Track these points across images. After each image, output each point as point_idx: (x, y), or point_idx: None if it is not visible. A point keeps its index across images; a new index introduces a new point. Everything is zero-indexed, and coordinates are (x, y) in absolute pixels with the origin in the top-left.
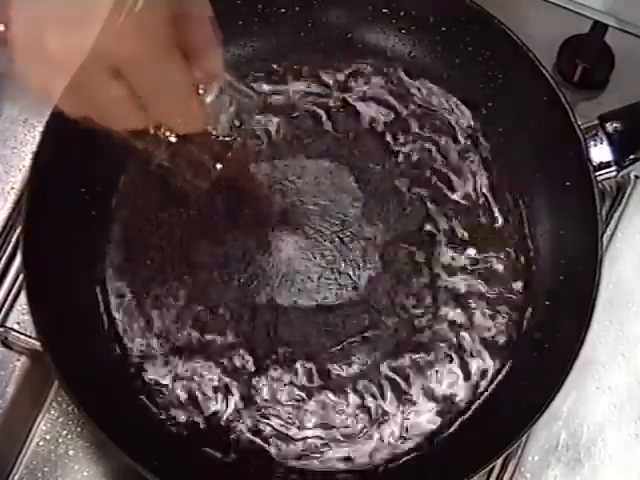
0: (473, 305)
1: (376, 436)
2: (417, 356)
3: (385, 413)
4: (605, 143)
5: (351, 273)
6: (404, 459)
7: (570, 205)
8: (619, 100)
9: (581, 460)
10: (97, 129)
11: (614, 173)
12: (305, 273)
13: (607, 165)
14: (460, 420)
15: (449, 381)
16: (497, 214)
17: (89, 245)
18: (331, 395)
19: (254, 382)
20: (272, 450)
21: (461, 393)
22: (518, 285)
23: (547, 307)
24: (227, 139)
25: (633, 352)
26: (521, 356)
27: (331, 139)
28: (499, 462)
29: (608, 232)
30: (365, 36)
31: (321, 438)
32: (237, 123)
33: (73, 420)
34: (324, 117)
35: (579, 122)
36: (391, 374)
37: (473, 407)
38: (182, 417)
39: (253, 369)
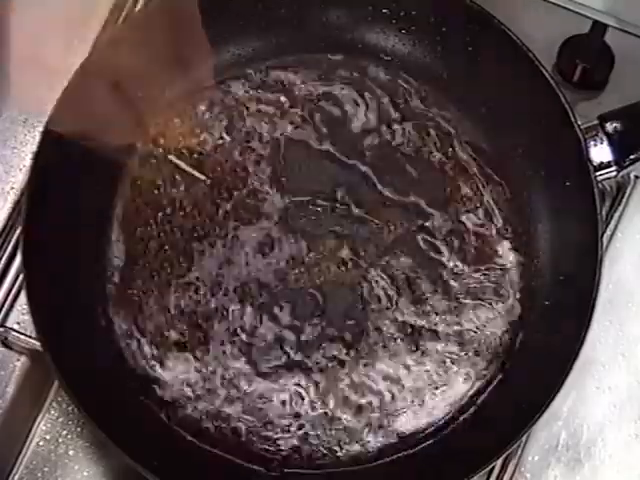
0: (472, 304)
1: (375, 436)
2: (416, 356)
3: (383, 409)
4: (605, 143)
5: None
6: (404, 459)
7: (570, 205)
8: (619, 100)
9: (581, 460)
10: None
11: (614, 173)
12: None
13: (607, 165)
14: (460, 420)
15: (448, 382)
16: (497, 214)
17: (89, 245)
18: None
19: (254, 383)
20: (273, 451)
21: (461, 393)
22: (518, 285)
23: (547, 307)
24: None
25: (633, 352)
26: (521, 356)
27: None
28: (499, 462)
29: (608, 232)
30: (365, 36)
31: (323, 440)
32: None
33: (73, 420)
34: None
35: (579, 122)
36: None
37: (473, 407)
38: (182, 416)
39: (253, 371)
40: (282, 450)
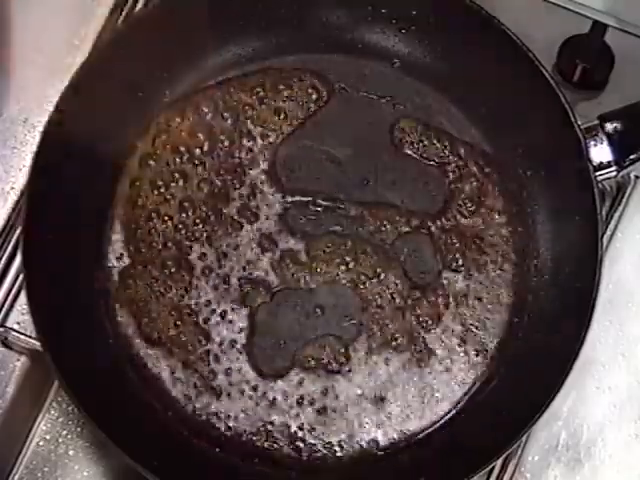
0: (472, 304)
1: (374, 436)
2: (416, 355)
3: (383, 408)
4: (605, 143)
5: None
6: (404, 459)
7: (570, 205)
8: (619, 100)
9: (581, 460)
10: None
11: (614, 173)
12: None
13: (607, 165)
14: (460, 420)
15: (448, 382)
16: (497, 214)
17: (89, 245)
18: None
19: (254, 382)
20: (274, 450)
21: (460, 393)
22: (518, 285)
23: (547, 307)
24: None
25: (633, 352)
26: (521, 356)
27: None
28: (499, 462)
29: (608, 232)
30: (365, 36)
31: (323, 439)
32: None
33: (73, 420)
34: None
35: (579, 122)
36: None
37: (473, 407)
38: (182, 416)
39: (254, 370)
40: (283, 450)
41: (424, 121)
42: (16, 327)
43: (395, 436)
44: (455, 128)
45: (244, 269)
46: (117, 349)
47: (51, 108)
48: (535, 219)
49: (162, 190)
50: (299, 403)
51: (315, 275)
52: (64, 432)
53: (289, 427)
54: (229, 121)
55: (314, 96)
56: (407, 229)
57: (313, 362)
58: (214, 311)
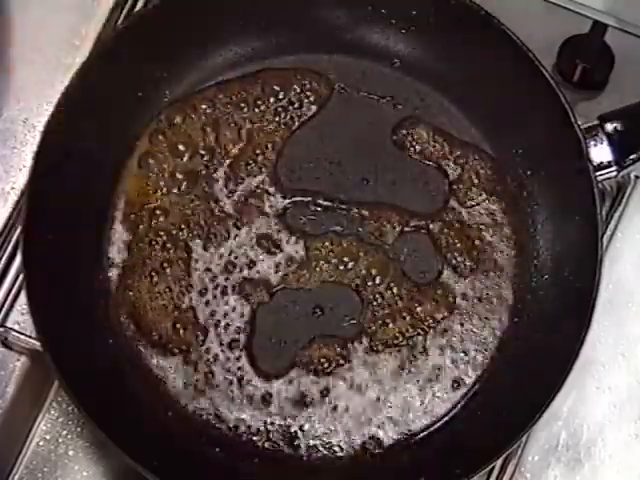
0: (472, 304)
1: (374, 436)
2: (416, 355)
3: (383, 409)
4: (605, 143)
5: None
6: (404, 459)
7: (570, 205)
8: (619, 100)
9: (581, 460)
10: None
11: (614, 173)
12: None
13: (607, 165)
14: (460, 420)
15: (448, 382)
16: (497, 214)
17: (89, 245)
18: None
19: (254, 382)
20: (274, 450)
21: (460, 393)
22: (518, 285)
23: (547, 307)
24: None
25: (633, 352)
26: (521, 356)
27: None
28: (499, 462)
29: (608, 232)
30: (365, 36)
31: (323, 439)
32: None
33: (73, 420)
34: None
35: (579, 122)
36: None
37: (473, 407)
38: (182, 416)
39: (254, 370)
40: (283, 450)
41: (424, 121)
42: (16, 327)
43: (395, 436)
44: (455, 128)
45: (244, 269)
46: (117, 349)
47: (51, 108)
48: (535, 219)
49: (162, 190)
50: (299, 403)
51: (315, 275)
52: (64, 432)
53: (289, 427)
54: (229, 121)
55: (314, 96)
56: (407, 229)
57: (313, 362)
58: (214, 311)
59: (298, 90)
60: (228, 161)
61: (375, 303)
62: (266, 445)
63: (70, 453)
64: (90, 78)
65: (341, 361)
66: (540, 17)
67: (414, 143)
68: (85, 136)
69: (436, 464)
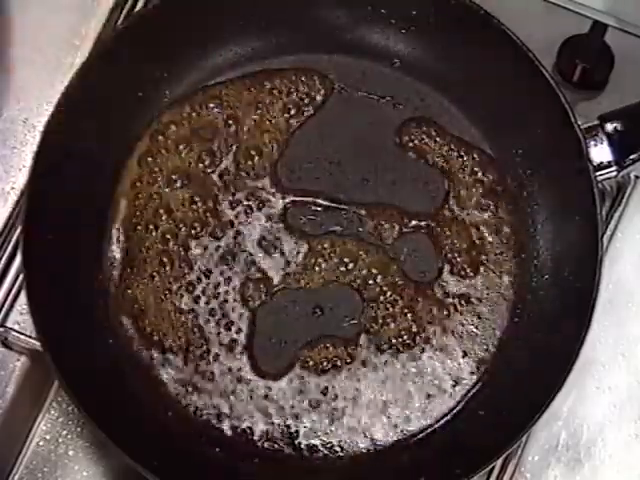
0: (472, 304)
1: (374, 436)
2: (416, 355)
3: (383, 408)
4: (605, 143)
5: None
6: (404, 459)
7: (570, 205)
8: (619, 100)
9: (581, 460)
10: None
11: (614, 173)
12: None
13: (607, 165)
14: (460, 420)
15: (448, 382)
16: (497, 214)
17: (89, 245)
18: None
19: (254, 382)
20: (274, 451)
21: (461, 393)
22: (518, 285)
23: (547, 307)
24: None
25: (633, 352)
26: (521, 356)
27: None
28: (499, 462)
29: (608, 232)
30: (365, 36)
31: (323, 439)
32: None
33: (73, 420)
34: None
35: (579, 122)
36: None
37: (473, 407)
38: (182, 416)
39: (254, 370)
40: (283, 450)
41: (424, 121)
42: (16, 327)
43: (395, 436)
44: (455, 128)
45: (244, 269)
46: (117, 349)
47: (51, 108)
48: (535, 219)
49: (162, 190)
50: (299, 403)
51: (315, 275)
52: (64, 432)
53: (289, 427)
54: (229, 121)
55: (314, 96)
56: (407, 229)
57: (313, 362)
58: (214, 311)
59: (298, 90)
60: (228, 161)
61: (375, 303)
62: (266, 445)
63: (70, 453)
64: (90, 78)
65: (341, 361)
66: (540, 17)
67: (414, 143)
68: (85, 136)
69: (436, 464)
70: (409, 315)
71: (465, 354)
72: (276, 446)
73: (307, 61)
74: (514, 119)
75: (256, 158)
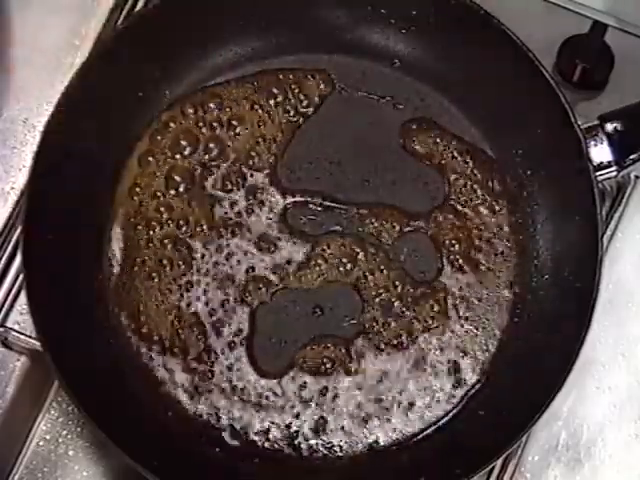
0: (472, 304)
1: (374, 436)
2: (416, 355)
3: (383, 408)
4: (605, 143)
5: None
6: (404, 459)
7: (570, 205)
8: (619, 100)
9: (581, 460)
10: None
11: (614, 173)
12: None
13: (607, 165)
14: (460, 420)
15: (448, 382)
16: (497, 214)
17: (89, 245)
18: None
19: (254, 382)
20: (274, 451)
21: (461, 393)
22: (518, 285)
23: (547, 307)
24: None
25: (633, 352)
26: (521, 356)
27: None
28: (499, 462)
29: (608, 232)
30: (365, 36)
31: (323, 439)
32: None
33: (73, 420)
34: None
35: (579, 122)
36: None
37: (473, 407)
38: (182, 416)
39: (254, 370)
40: (283, 450)
41: (424, 121)
42: (16, 327)
43: (395, 436)
44: (455, 128)
45: (244, 269)
46: (117, 349)
47: (51, 108)
48: (535, 219)
49: (162, 190)
50: (299, 403)
51: (315, 275)
52: (64, 432)
53: (289, 427)
54: (229, 121)
55: (314, 96)
56: (407, 229)
57: (313, 362)
58: (214, 311)
59: (298, 90)
60: (228, 161)
61: (375, 303)
62: (266, 445)
63: (70, 453)
64: (90, 78)
65: (341, 361)
66: (540, 17)
67: (414, 143)
68: (85, 136)
69: (436, 464)
70: (409, 315)
71: (465, 354)
72: (276, 446)
73: (307, 61)
74: (514, 119)
75: (256, 158)
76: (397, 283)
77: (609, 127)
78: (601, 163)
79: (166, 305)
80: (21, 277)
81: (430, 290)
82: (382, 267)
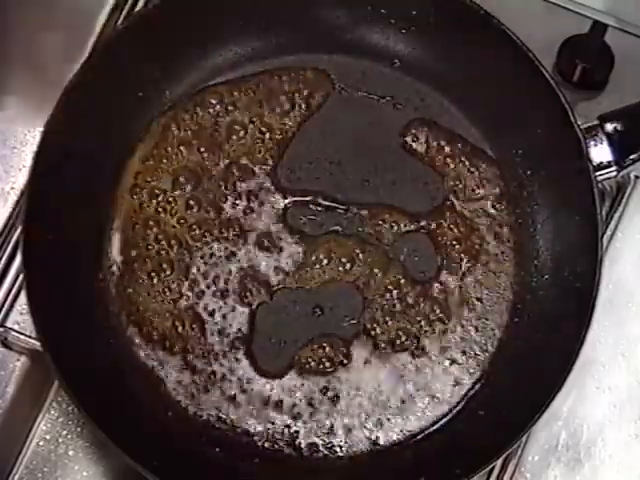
0: (472, 304)
1: (374, 436)
2: (416, 355)
3: (383, 408)
4: (605, 143)
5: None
6: (404, 459)
7: (570, 205)
8: (619, 100)
9: (581, 460)
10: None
11: (614, 173)
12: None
13: (607, 165)
14: (460, 420)
15: (448, 382)
16: (497, 214)
17: (89, 245)
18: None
19: (254, 382)
20: (274, 451)
21: (461, 393)
22: (518, 285)
23: (547, 307)
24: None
25: (633, 352)
26: (521, 356)
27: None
28: (499, 462)
29: (608, 232)
30: (365, 36)
31: (323, 439)
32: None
33: (73, 420)
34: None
35: (579, 122)
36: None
37: (473, 407)
38: (182, 416)
39: (254, 370)
40: (283, 450)
41: (424, 121)
42: (16, 327)
43: (395, 436)
44: (455, 128)
45: (244, 269)
46: (117, 349)
47: (51, 108)
48: (535, 219)
49: (162, 190)
50: (299, 403)
51: (315, 275)
52: (64, 432)
53: (289, 427)
54: (229, 121)
55: (314, 96)
56: (407, 229)
57: (313, 362)
58: (214, 311)
59: (298, 90)
60: (228, 161)
61: (375, 303)
62: (266, 445)
63: (70, 453)
64: (90, 78)
65: (341, 361)
66: (540, 17)
67: (414, 143)
68: (85, 136)
69: (436, 464)
70: (409, 315)
71: (465, 354)
72: (276, 446)
73: (307, 61)
74: (514, 119)
75: (256, 158)
76: (397, 283)
77: (609, 127)
78: (601, 163)
79: (166, 305)
80: (21, 277)
81: (430, 290)
82: (382, 267)
